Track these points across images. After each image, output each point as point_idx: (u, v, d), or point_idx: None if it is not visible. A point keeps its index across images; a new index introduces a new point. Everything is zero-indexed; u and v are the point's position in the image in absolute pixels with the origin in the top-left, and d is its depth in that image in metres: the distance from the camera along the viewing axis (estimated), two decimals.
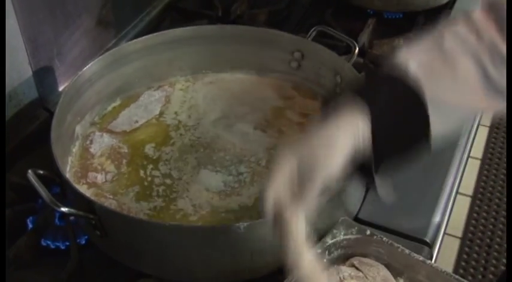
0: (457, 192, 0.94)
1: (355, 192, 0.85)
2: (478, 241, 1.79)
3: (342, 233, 0.77)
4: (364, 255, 0.77)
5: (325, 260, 0.76)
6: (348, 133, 0.62)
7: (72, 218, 0.87)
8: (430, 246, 0.84)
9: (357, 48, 0.96)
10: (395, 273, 0.76)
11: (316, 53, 0.99)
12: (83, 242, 0.87)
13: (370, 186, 0.76)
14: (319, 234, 0.76)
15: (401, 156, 0.65)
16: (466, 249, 1.76)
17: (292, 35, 1.01)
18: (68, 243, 0.86)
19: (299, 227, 0.62)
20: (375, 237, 0.77)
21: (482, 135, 2.14)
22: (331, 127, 0.62)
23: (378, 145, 0.63)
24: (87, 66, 0.93)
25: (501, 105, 0.67)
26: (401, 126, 0.64)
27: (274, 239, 0.63)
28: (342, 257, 0.78)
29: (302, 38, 1.01)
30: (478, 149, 2.09)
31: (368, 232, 0.77)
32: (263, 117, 0.99)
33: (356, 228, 0.78)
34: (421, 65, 0.63)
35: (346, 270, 0.75)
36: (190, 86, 1.05)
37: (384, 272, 0.75)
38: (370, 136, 0.62)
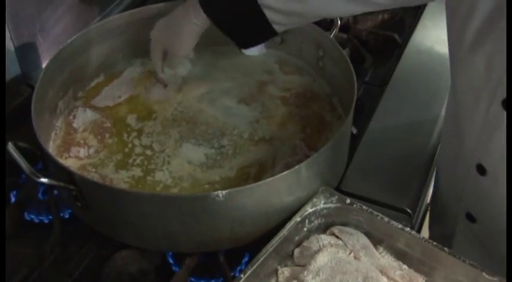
0: (435, 165, 0.95)
1: (337, 163, 0.85)
2: None
3: (322, 202, 0.77)
4: (345, 224, 0.78)
5: (305, 229, 0.77)
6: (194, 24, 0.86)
7: (55, 192, 0.88)
8: (411, 215, 0.85)
9: (339, 22, 0.96)
10: (375, 241, 0.77)
11: (299, 27, 0.98)
12: (67, 216, 0.88)
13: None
14: (299, 203, 0.76)
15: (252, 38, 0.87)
16: None
17: None
18: (51, 217, 0.86)
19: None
20: (354, 205, 0.77)
21: None
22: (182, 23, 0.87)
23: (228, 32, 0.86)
24: (69, 41, 0.93)
25: None
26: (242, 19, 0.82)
27: None
28: (323, 226, 0.78)
29: None
30: None
31: (348, 201, 0.78)
32: (248, 91, 0.99)
33: (336, 197, 0.78)
34: None
35: (326, 238, 0.76)
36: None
37: (364, 240, 0.76)
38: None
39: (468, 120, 0.76)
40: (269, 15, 0.80)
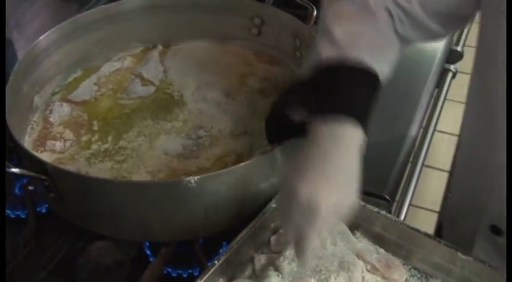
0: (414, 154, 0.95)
1: None
2: None
3: None
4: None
5: (273, 206, 0.76)
6: (357, 152, 0.63)
7: (31, 188, 0.87)
8: (389, 201, 0.84)
9: (315, 11, 0.96)
10: (352, 226, 0.76)
11: (276, 18, 0.98)
12: (43, 210, 0.87)
13: None
14: (275, 189, 0.75)
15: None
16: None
17: (251, 1, 1.01)
18: (27, 212, 0.86)
19: None
20: None
21: (459, 111, 2.15)
22: (351, 158, 0.63)
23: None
24: (43, 35, 0.93)
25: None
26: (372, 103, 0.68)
27: None
28: None
29: (261, 4, 1.01)
30: (455, 125, 2.10)
31: None
32: (230, 84, 0.98)
33: None
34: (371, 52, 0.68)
35: None
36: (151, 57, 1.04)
37: (340, 225, 0.75)
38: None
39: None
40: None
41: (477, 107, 0.81)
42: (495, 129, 0.73)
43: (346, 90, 0.65)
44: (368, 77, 0.67)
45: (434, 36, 0.77)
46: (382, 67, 0.69)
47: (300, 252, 0.63)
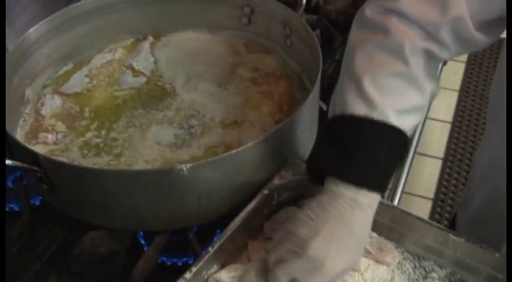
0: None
1: (306, 136, 0.85)
2: (450, 201, 1.80)
3: (290, 174, 0.77)
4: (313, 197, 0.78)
5: (274, 202, 0.76)
6: (371, 219, 0.65)
7: (24, 182, 0.87)
8: None
9: (304, 0, 0.96)
10: None
11: (265, 6, 0.98)
12: (37, 202, 0.87)
13: None
14: (267, 176, 0.76)
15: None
16: (438, 209, 1.78)
17: None
18: (21, 205, 0.86)
19: None
20: None
21: (452, 99, 2.16)
22: (367, 225, 0.65)
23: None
24: (33, 28, 0.92)
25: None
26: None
27: None
28: (292, 198, 0.78)
29: None
30: (448, 113, 2.11)
31: None
32: (221, 74, 0.98)
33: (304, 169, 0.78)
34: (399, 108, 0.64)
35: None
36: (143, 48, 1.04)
37: None
38: None
39: None
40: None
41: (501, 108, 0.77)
42: None
43: (368, 154, 0.63)
44: (394, 136, 0.64)
45: (476, 48, 0.68)
46: (409, 121, 0.66)
47: None
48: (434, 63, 0.67)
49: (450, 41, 0.65)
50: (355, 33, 0.68)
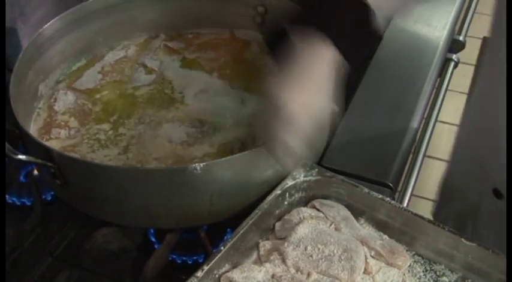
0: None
1: (318, 139, 0.85)
2: None
3: (302, 175, 0.77)
4: (325, 197, 0.78)
5: (286, 203, 0.76)
6: (330, 67, 0.68)
7: (36, 173, 0.88)
8: (392, 189, 0.85)
9: None
10: (356, 213, 0.76)
11: (279, 7, 0.98)
12: (49, 197, 0.87)
13: None
14: (279, 176, 0.76)
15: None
16: None
17: None
18: (33, 199, 0.86)
19: None
20: (334, 178, 0.77)
21: (461, 102, 2.15)
22: (314, 67, 0.68)
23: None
24: (48, 24, 0.93)
25: None
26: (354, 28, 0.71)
27: None
28: (303, 199, 0.78)
29: None
30: (456, 116, 2.10)
31: (328, 174, 0.77)
32: (235, 75, 0.98)
33: (316, 170, 0.78)
34: None
35: (306, 210, 0.76)
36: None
37: (344, 212, 0.76)
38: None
39: None
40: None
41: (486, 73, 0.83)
42: (500, 93, 0.75)
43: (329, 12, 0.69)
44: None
45: None
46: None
47: (271, 149, 0.69)
48: None
49: None
50: None
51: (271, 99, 0.67)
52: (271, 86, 0.68)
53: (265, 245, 0.73)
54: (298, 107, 0.66)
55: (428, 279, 0.70)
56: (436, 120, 1.21)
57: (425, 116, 1.07)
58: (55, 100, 0.94)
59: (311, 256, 0.70)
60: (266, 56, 1.00)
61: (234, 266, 0.70)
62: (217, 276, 0.69)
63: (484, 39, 0.74)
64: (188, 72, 0.99)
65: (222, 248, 0.69)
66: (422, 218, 0.72)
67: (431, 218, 0.83)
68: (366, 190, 0.75)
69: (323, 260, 0.70)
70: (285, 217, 0.76)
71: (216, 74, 0.98)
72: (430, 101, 1.05)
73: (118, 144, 0.85)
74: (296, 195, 0.77)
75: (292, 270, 0.69)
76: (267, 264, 0.70)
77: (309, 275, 0.69)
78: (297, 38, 0.69)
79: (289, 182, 0.76)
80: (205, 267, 0.67)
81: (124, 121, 0.90)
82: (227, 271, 0.69)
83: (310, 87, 0.68)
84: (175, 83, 0.97)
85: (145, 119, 0.90)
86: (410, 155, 1.00)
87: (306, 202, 0.78)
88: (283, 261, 0.70)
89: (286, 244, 0.71)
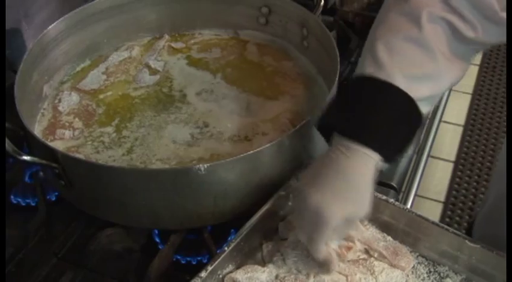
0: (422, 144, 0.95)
1: (322, 140, 0.85)
2: (461, 205, 1.80)
3: None
4: None
5: (289, 204, 0.77)
6: (375, 173, 0.65)
7: (41, 174, 0.88)
8: (397, 190, 0.85)
9: (322, 1, 0.96)
10: None
11: (283, 7, 0.99)
12: (53, 198, 0.87)
13: None
14: (283, 177, 0.76)
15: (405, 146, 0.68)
16: (449, 213, 1.77)
17: None
18: (38, 200, 0.86)
19: None
20: None
21: (465, 102, 2.15)
22: (366, 178, 0.65)
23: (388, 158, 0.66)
24: (52, 25, 0.93)
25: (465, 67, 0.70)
26: (403, 131, 0.66)
27: None
28: None
29: None
30: (460, 116, 2.10)
31: None
32: (236, 78, 0.98)
33: None
34: (408, 72, 0.65)
35: None
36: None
37: None
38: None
39: None
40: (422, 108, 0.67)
41: None
42: None
43: (369, 111, 0.64)
44: (399, 99, 0.65)
45: (502, 29, 0.66)
46: (420, 89, 0.66)
47: (312, 253, 0.67)
48: (460, 41, 0.66)
49: (471, 15, 0.65)
50: (386, 1, 0.70)
51: (306, 203, 0.65)
52: (306, 189, 0.65)
53: (269, 245, 0.73)
54: (334, 220, 0.64)
55: (432, 281, 0.70)
56: (440, 121, 1.21)
57: (429, 116, 1.08)
58: (59, 101, 0.94)
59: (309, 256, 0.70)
60: (267, 57, 1.01)
61: (238, 267, 0.71)
62: (221, 276, 0.69)
63: None
64: (192, 71, 1.00)
65: (226, 248, 0.69)
66: (426, 219, 0.72)
67: (436, 219, 0.82)
68: None
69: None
70: (289, 218, 0.76)
71: (220, 75, 0.98)
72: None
73: (122, 146, 0.85)
74: None
75: (295, 271, 0.69)
76: (271, 265, 0.70)
77: (308, 276, 0.69)
78: (335, 139, 0.66)
79: (294, 183, 0.76)
80: (209, 268, 0.67)
81: (127, 122, 0.90)
82: (231, 271, 0.70)
83: (347, 197, 0.64)
84: (178, 81, 0.97)
85: (150, 119, 0.90)
86: (414, 156, 1.00)
87: None
88: (285, 261, 0.70)
89: (286, 244, 0.72)
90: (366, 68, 0.66)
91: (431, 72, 0.66)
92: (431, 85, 0.67)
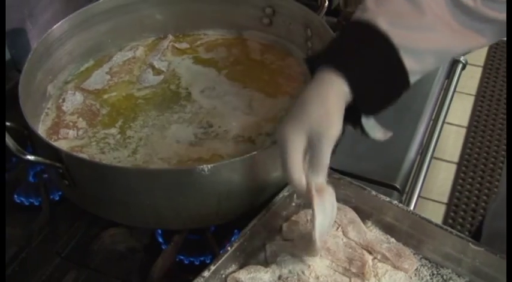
0: (425, 147, 0.95)
1: None
2: (464, 206, 1.80)
3: None
4: None
5: (293, 204, 0.77)
6: (340, 96, 0.67)
7: (45, 175, 0.88)
8: (400, 191, 0.85)
9: (326, 2, 0.96)
10: (364, 215, 0.76)
11: (287, 8, 0.99)
12: (57, 198, 0.88)
13: (357, 129, 0.76)
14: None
15: (384, 100, 0.71)
16: (452, 214, 1.77)
17: None
18: (41, 199, 0.87)
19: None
20: (342, 180, 0.77)
21: (468, 103, 2.15)
22: (323, 95, 0.66)
23: (361, 97, 0.68)
24: (57, 25, 0.93)
25: (476, 41, 0.71)
26: (380, 76, 0.69)
27: None
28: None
29: None
30: (464, 117, 2.10)
31: (336, 176, 0.77)
32: (240, 78, 0.98)
33: None
34: (391, 19, 0.67)
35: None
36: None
37: (351, 215, 0.76)
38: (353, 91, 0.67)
39: None
40: (408, 63, 0.68)
41: None
42: None
43: (347, 46, 0.69)
44: (380, 41, 0.67)
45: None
46: (403, 35, 0.67)
47: (293, 188, 0.68)
48: (461, 10, 0.68)
49: None
50: None
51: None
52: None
53: (272, 246, 0.73)
54: (292, 140, 0.65)
55: None
56: (443, 122, 1.20)
57: (433, 117, 1.07)
58: (63, 100, 0.94)
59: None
60: (271, 56, 1.01)
61: (241, 267, 0.71)
62: (223, 276, 0.69)
63: None
64: (199, 69, 1.00)
65: (229, 248, 0.69)
66: (430, 221, 0.72)
67: (438, 220, 0.82)
68: (374, 193, 0.75)
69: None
70: (292, 218, 0.76)
71: (224, 73, 0.99)
72: (438, 102, 1.05)
73: (128, 147, 0.85)
74: None
75: (298, 271, 0.69)
76: (274, 265, 0.70)
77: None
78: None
79: None
80: (212, 267, 0.67)
81: (131, 122, 0.90)
82: (234, 271, 0.70)
83: (306, 118, 0.66)
84: (185, 79, 0.98)
85: (154, 120, 0.90)
86: (418, 157, 1.00)
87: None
88: (288, 262, 0.70)
89: (290, 244, 0.72)
90: (355, 14, 0.70)
91: (415, 24, 0.68)
92: (415, 36, 0.68)
